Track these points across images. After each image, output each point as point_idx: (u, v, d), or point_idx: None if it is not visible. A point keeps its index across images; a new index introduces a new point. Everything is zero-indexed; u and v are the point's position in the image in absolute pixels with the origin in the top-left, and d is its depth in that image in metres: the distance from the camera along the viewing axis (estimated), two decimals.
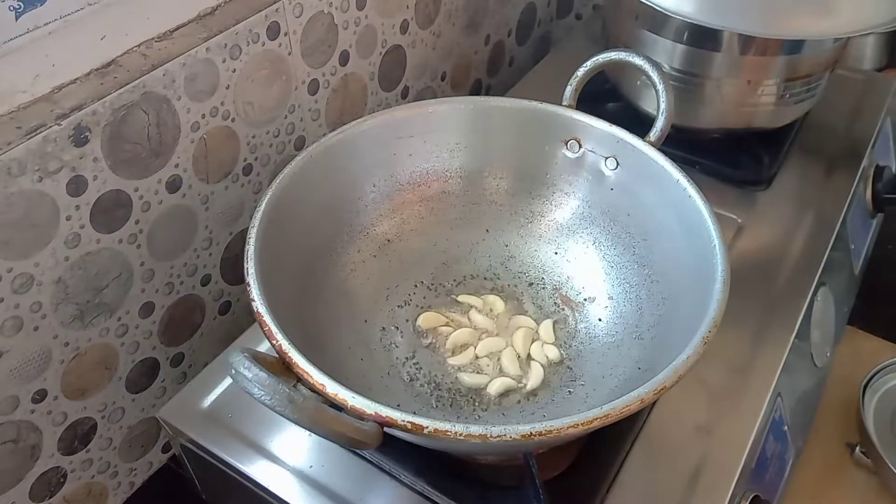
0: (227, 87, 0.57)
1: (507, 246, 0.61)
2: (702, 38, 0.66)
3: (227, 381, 0.55)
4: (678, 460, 0.51)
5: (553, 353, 0.54)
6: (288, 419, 0.35)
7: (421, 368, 0.54)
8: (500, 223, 0.62)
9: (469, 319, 0.57)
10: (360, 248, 0.58)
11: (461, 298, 0.58)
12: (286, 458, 0.51)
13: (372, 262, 0.58)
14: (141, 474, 0.65)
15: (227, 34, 0.55)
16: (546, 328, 0.56)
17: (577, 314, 0.57)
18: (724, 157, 0.74)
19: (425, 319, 0.56)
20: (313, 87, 0.66)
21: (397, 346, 0.55)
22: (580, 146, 0.58)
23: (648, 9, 0.64)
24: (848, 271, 0.78)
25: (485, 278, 0.60)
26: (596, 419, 0.37)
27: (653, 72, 0.55)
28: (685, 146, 0.71)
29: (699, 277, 0.46)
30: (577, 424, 0.36)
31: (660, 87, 0.55)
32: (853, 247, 0.78)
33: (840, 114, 0.82)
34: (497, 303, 0.58)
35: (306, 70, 0.64)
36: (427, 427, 0.36)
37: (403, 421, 0.36)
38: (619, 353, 0.53)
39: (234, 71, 0.57)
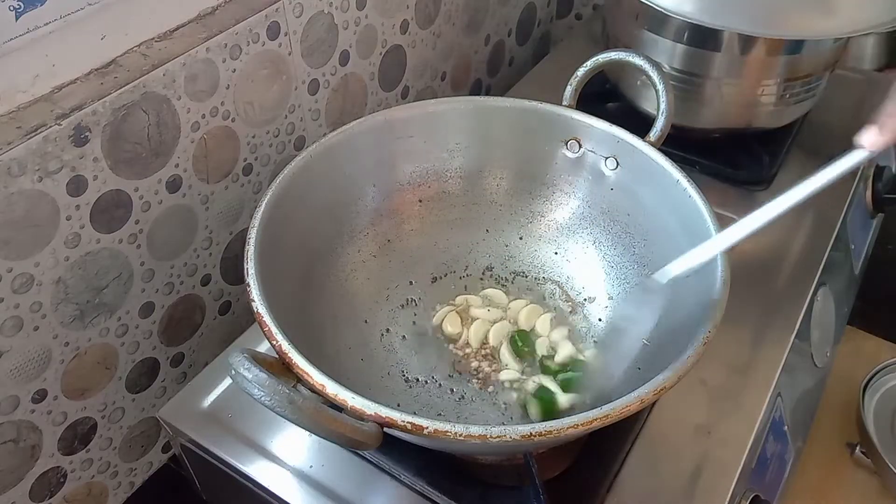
0: (228, 87, 0.57)
1: (507, 246, 0.61)
2: (702, 38, 0.66)
3: (227, 381, 0.55)
4: (678, 460, 0.51)
5: (544, 346, 0.55)
6: (288, 420, 0.35)
7: (421, 368, 0.54)
8: (500, 223, 0.62)
9: (469, 315, 0.57)
10: (360, 248, 0.58)
11: (458, 300, 0.58)
12: (286, 458, 0.51)
13: (372, 262, 0.58)
14: (141, 474, 0.65)
15: (227, 34, 0.55)
16: (543, 322, 0.56)
17: (576, 314, 0.57)
18: (724, 157, 0.74)
19: (438, 318, 0.57)
20: (313, 87, 0.66)
21: (397, 346, 0.55)
22: (580, 146, 0.58)
23: (648, 9, 0.64)
24: (848, 271, 0.78)
25: (485, 278, 0.60)
26: (596, 419, 0.37)
27: (653, 72, 0.55)
28: (685, 146, 0.71)
29: (699, 277, 0.46)
30: (577, 424, 0.36)
31: (660, 87, 0.55)
32: (853, 247, 0.78)
33: (840, 114, 0.82)
34: (497, 295, 0.58)
35: (306, 70, 0.64)
36: (427, 427, 0.36)
37: (403, 421, 0.36)
38: (619, 353, 0.53)
39: (235, 71, 0.57)
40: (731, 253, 0.46)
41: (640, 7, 0.67)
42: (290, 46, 0.61)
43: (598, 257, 0.59)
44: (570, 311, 0.57)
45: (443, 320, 0.56)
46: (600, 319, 0.56)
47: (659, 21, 0.67)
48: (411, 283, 0.59)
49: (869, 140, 0.40)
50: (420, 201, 0.61)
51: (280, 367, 0.39)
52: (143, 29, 0.52)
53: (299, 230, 0.52)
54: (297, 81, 0.64)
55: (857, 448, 0.85)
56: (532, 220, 0.61)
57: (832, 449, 0.86)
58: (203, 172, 0.58)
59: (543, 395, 0.51)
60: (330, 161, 0.54)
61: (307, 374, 0.38)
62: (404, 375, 0.53)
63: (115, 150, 0.50)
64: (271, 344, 0.40)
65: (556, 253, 0.60)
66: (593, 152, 0.58)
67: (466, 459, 0.50)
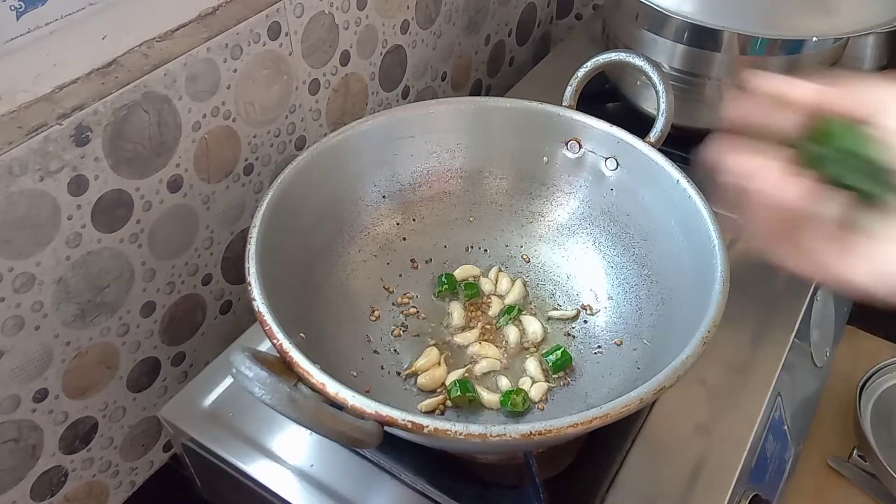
0: (228, 87, 0.57)
1: (507, 246, 0.62)
2: (702, 38, 0.66)
3: (228, 380, 0.55)
4: (678, 460, 0.51)
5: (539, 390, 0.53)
6: (289, 418, 0.35)
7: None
8: (500, 223, 0.62)
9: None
10: (361, 248, 0.58)
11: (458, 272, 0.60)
12: (287, 456, 0.51)
13: (372, 262, 0.58)
14: (142, 473, 0.65)
15: (228, 34, 0.55)
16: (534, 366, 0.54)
17: (576, 314, 0.57)
18: None
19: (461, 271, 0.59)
20: (314, 87, 0.66)
21: (397, 346, 0.55)
22: (580, 146, 0.58)
23: (648, 9, 0.64)
24: None
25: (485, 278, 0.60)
26: (596, 419, 0.37)
27: (653, 72, 0.55)
28: (685, 146, 0.71)
29: (699, 277, 0.46)
30: (577, 424, 0.36)
31: (660, 87, 0.56)
32: None
33: None
34: (501, 278, 0.59)
35: (307, 70, 0.64)
36: (427, 426, 0.36)
37: (404, 420, 0.36)
38: (619, 352, 0.53)
39: (235, 71, 0.57)
40: (731, 253, 0.46)
41: (640, 7, 0.68)
42: (290, 46, 0.61)
43: (598, 257, 0.59)
44: (569, 312, 0.57)
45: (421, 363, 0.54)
46: (600, 319, 0.56)
47: (659, 21, 0.67)
48: (412, 282, 0.59)
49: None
50: (420, 201, 0.61)
51: (281, 366, 0.39)
52: (143, 29, 0.52)
53: (300, 230, 0.52)
54: (298, 81, 0.64)
55: (855, 449, 0.85)
56: (532, 220, 0.61)
57: (831, 449, 0.86)
58: (204, 172, 0.58)
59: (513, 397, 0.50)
60: (331, 161, 0.54)
61: (308, 372, 0.38)
62: (404, 374, 0.54)
63: (116, 149, 0.50)
64: (272, 343, 0.40)
65: (555, 253, 0.61)
66: (593, 153, 0.58)
67: (466, 458, 0.50)
